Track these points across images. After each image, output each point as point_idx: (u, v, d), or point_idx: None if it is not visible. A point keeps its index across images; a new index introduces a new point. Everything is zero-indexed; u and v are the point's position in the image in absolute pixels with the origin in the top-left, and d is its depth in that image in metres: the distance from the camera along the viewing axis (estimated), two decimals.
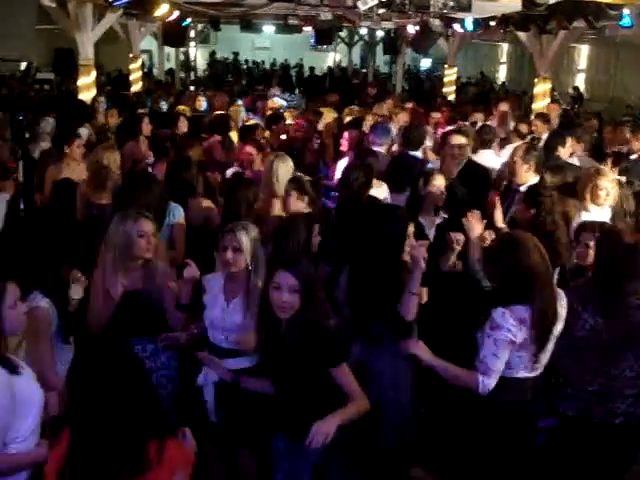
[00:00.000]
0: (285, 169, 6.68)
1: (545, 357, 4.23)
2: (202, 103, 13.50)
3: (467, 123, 11.46)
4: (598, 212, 6.19)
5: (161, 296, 4.92)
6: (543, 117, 11.37)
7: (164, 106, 14.21)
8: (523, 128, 10.89)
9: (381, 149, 8.38)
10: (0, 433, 3.21)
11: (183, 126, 10.36)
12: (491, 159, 8.73)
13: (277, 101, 13.86)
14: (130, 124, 9.68)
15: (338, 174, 8.22)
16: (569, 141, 8.43)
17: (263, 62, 36.32)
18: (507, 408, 4.21)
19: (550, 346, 4.21)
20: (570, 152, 8.46)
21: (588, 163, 8.23)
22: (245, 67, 35.31)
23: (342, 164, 8.40)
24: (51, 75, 21.53)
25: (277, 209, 6.42)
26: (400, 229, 4.85)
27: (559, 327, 4.21)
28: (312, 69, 33.29)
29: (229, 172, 8.21)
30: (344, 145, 9.78)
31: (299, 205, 6.14)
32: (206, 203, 6.77)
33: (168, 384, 4.98)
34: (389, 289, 4.71)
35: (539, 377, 4.30)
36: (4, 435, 3.25)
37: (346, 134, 10.17)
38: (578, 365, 4.43)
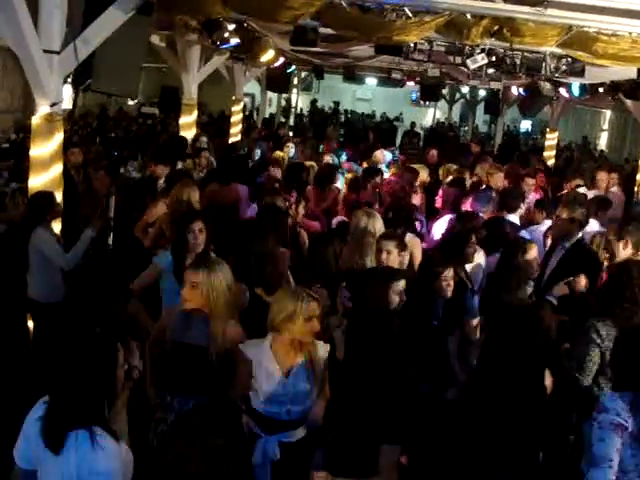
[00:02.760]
0: (373, 226, 6.55)
1: None
2: (290, 150, 13.49)
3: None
4: None
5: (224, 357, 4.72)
6: None
7: (258, 153, 14.21)
8: None
9: (483, 215, 8.17)
10: None
11: (276, 173, 10.35)
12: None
13: (384, 154, 13.67)
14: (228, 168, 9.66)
15: (437, 234, 8.05)
16: None
17: (363, 114, 36.52)
18: None
19: None
20: None
21: None
22: (344, 117, 35.52)
23: (440, 225, 8.23)
24: (155, 110, 22.10)
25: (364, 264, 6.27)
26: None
27: None
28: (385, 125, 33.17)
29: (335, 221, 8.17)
30: (438, 202, 9.60)
31: (396, 262, 5.98)
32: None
33: None
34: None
35: None
36: None
37: (440, 191, 9.97)
38: None
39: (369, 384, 3.88)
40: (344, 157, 13.91)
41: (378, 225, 6.62)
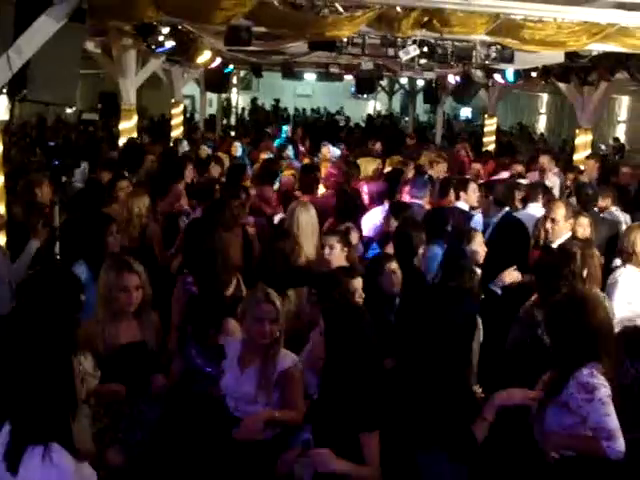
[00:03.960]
0: (307, 218, 6.59)
1: None
2: (237, 149, 13.56)
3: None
4: None
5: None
6: (576, 170, 11.39)
7: (208, 150, 14.21)
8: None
9: (421, 201, 8.30)
10: None
11: (214, 172, 10.41)
12: (538, 212, 8.43)
13: (331, 150, 13.77)
14: (174, 168, 9.65)
15: (365, 229, 8.13)
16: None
17: (304, 110, 36.60)
18: None
19: None
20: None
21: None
22: (286, 114, 35.53)
23: (370, 218, 8.33)
24: (95, 116, 21.90)
25: (301, 258, 6.32)
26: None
27: None
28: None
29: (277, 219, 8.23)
30: (365, 200, 9.53)
31: (341, 258, 6.04)
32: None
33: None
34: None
35: None
36: None
37: (365, 188, 9.92)
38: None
39: (349, 380, 3.79)
40: (291, 152, 14.01)
41: (311, 216, 6.68)
